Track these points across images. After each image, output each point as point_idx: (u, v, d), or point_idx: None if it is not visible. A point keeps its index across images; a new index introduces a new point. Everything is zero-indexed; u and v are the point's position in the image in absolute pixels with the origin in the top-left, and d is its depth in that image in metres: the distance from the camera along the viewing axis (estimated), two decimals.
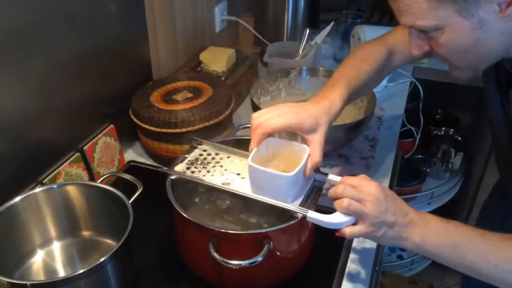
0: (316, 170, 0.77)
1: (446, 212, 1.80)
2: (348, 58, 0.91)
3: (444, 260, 0.67)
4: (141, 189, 0.79)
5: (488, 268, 0.65)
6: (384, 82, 1.41)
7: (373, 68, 0.88)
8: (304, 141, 0.75)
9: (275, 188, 0.70)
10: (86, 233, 0.83)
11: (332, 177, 0.75)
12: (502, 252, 0.64)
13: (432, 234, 0.66)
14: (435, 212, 1.82)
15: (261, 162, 0.71)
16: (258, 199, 0.71)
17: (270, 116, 0.72)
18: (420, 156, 1.89)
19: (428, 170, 1.90)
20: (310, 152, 0.72)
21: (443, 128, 1.94)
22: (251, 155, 0.71)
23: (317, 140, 0.73)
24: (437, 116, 2.02)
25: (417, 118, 1.61)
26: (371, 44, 0.93)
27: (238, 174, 0.76)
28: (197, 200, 0.82)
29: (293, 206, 0.70)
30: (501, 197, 1.01)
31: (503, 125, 0.81)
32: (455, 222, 0.68)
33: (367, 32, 1.38)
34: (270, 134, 0.73)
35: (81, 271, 0.64)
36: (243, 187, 0.74)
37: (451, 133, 1.94)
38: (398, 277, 1.87)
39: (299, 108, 0.74)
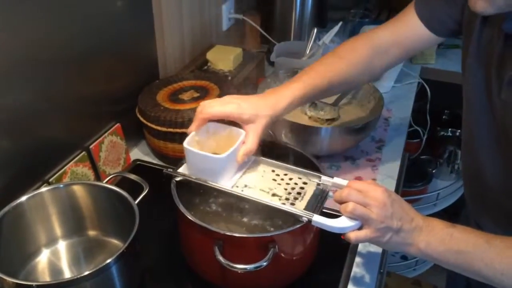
0: (322, 172, 0.77)
1: (452, 213, 1.79)
2: (327, 54, 0.88)
3: (449, 266, 0.67)
4: (147, 190, 0.79)
5: (494, 275, 0.64)
6: (391, 83, 1.40)
7: (349, 66, 0.85)
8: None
9: (210, 170, 0.73)
10: (91, 233, 0.83)
11: (338, 180, 0.75)
12: (508, 260, 0.63)
13: (437, 241, 0.65)
14: (440, 213, 1.81)
15: (201, 145, 0.74)
16: (266, 203, 0.71)
17: (214, 104, 0.75)
18: (426, 157, 1.88)
19: (434, 171, 1.88)
20: (245, 139, 0.74)
21: (450, 129, 1.93)
22: (187, 138, 0.74)
23: (253, 129, 0.75)
24: (443, 117, 2.01)
25: (424, 118, 1.60)
26: (355, 40, 0.89)
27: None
28: (202, 202, 0.82)
29: (299, 210, 0.69)
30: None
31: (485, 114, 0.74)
32: (461, 227, 0.67)
33: None
34: (211, 120, 0.75)
35: (86, 272, 0.64)
36: (249, 190, 0.74)
37: (457, 134, 1.92)
38: (402, 278, 1.86)
39: (243, 99, 0.77)
